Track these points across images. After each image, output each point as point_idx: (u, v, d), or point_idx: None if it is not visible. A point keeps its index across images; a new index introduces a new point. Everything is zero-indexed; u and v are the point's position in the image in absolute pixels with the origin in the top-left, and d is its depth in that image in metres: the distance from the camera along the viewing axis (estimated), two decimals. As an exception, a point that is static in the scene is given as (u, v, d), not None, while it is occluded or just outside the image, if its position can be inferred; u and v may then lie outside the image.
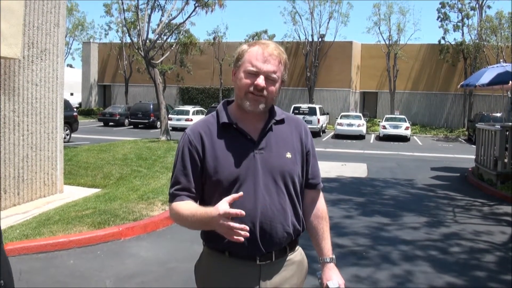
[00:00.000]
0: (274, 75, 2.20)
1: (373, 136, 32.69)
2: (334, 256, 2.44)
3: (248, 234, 1.99)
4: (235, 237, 1.97)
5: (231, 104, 2.36)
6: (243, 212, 1.96)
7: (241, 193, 2.05)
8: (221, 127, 2.27)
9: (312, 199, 2.47)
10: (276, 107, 2.38)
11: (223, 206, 1.98)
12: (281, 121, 2.35)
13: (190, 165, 2.25)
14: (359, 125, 30.68)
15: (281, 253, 2.30)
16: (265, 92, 2.19)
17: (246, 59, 2.22)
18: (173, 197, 2.27)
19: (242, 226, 1.97)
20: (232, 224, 1.96)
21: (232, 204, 2.06)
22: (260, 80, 2.17)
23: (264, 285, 2.25)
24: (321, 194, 2.53)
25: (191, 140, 2.26)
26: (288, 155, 2.28)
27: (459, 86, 16.37)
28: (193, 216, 2.13)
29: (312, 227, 2.45)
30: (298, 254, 2.40)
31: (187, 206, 2.19)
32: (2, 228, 6.39)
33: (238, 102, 2.26)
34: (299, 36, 41.92)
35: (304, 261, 2.44)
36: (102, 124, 35.70)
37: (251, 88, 2.19)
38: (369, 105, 43.45)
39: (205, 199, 2.29)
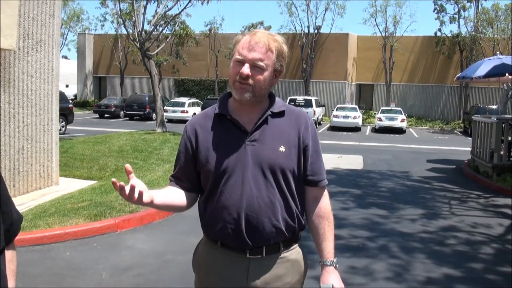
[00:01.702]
0: (260, 63, 2.15)
1: (369, 128, 32.71)
2: (335, 260, 2.33)
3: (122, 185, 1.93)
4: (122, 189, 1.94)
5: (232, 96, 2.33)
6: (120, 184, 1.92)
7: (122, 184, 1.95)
8: (216, 118, 2.28)
9: (314, 197, 2.36)
10: (278, 99, 2.35)
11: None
12: (281, 114, 2.29)
13: (184, 156, 2.31)
14: (355, 117, 30.69)
15: (273, 250, 2.26)
16: (250, 81, 2.16)
17: (236, 48, 2.20)
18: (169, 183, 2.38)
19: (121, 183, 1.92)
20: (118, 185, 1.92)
21: (221, 195, 2.18)
22: (245, 68, 2.14)
23: (252, 279, 2.23)
24: (326, 192, 2.40)
25: (187, 131, 2.32)
26: (282, 148, 2.22)
27: (455, 78, 16.38)
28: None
29: (313, 226, 2.36)
30: (294, 253, 2.33)
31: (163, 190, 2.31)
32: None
33: (231, 91, 2.26)
34: (295, 28, 41.88)
35: (300, 260, 2.36)
36: (97, 116, 35.60)
37: (237, 77, 2.16)
38: (365, 97, 43.45)
39: (202, 189, 2.33)
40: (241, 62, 2.16)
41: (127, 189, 1.95)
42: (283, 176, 2.22)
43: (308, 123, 2.33)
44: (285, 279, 2.28)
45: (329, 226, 2.35)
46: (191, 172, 2.30)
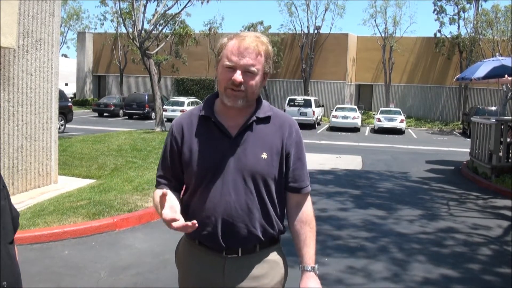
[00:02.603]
0: (252, 68, 2.14)
1: (368, 128, 32.71)
2: (316, 266, 2.32)
3: (196, 225, 2.02)
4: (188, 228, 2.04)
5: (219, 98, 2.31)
6: (195, 223, 2.01)
7: (195, 221, 2.02)
8: (202, 119, 2.27)
9: (296, 203, 2.35)
10: (265, 103, 2.34)
11: (167, 214, 2.02)
12: (266, 119, 2.28)
13: (169, 155, 2.31)
14: (354, 117, 30.68)
15: (249, 250, 2.26)
16: (242, 87, 2.14)
17: (224, 53, 2.17)
18: (156, 185, 2.37)
19: (187, 224, 2.01)
20: (175, 226, 2.02)
21: (201, 197, 2.21)
22: (237, 75, 2.12)
23: (228, 278, 2.25)
24: (309, 198, 2.39)
25: (173, 130, 2.31)
26: (264, 155, 2.21)
27: (454, 79, 16.41)
28: (157, 209, 2.19)
29: (294, 232, 2.35)
30: (274, 255, 2.33)
31: (156, 194, 2.26)
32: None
33: (220, 96, 2.24)
34: (295, 28, 41.86)
35: (280, 262, 2.35)
36: (96, 114, 35.58)
37: (229, 84, 2.14)
38: (364, 98, 43.44)
39: (185, 187, 2.35)
40: (232, 68, 2.14)
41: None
42: (264, 183, 2.22)
43: (293, 130, 2.31)
44: (263, 280, 2.27)
45: (311, 232, 2.35)
46: (178, 171, 2.31)
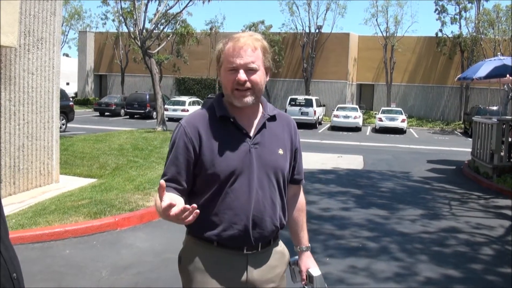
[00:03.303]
0: (253, 65, 2.21)
1: (369, 128, 32.69)
2: (309, 245, 2.60)
3: (197, 210, 1.92)
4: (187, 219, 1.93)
5: (226, 98, 2.34)
6: (195, 207, 1.91)
7: (194, 205, 1.92)
8: (218, 120, 2.29)
9: (294, 193, 2.58)
10: (267, 103, 2.42)
11: (164, 202, 1.90)
12: (273, 118, 2.39)
13: (183, 157, 2.26)
14: (356, 117, 30.66)
15: (266, 244, 2.37)
16: (248, 84, 2.21)
17: (223, 58, 2.25)
18: None
19: (187, 206, 1.90)
20: (173, 212, 1.90)
21: (226, 197, 2.22)
22: (240, 75, 2.19)
23: (250, 273, 2.31)
24: (301, 187, 2.63)
25: (187, 132, 2.26)
26: (280, 151, 2.34)
27: (456, 79, 16.39)
28: (158, 209, 2.06)
29: (292, 219, 2.57)
30: (281, 244, 2.49)
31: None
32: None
33: (229, 100, 2.29)
34: (296, 27, 41.83)
35: (285, 251, 2.52)
36: (98, 114, 35.58)
37: (235, 84, 2.21)
38: (365, 97, 43.42)
39: (195, 192, 2.31)
40: (234, 70, 2.20)
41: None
42: (282, 177, 2.36)
43: (295, 127, 2.52)
44: (276, 270, 2.41)
45: (305, 217, 2.63)
46: (189, 175, 2.28)
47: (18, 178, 8.56)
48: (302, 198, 2.62)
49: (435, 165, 15.30)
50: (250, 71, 2.21)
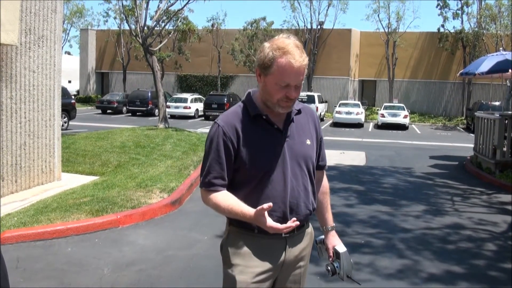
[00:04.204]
0: (302, 82, 2.43)
1: (371, 124, 32.66)
2: (334, 225, 2.83)
3: (271, 205, 2.27)
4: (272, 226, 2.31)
5: (255, 96, 2.55)
6: (271, 204, 2.25)
7: (270, 204, 2.26)
8: (252, 118, 2.49)
9: (319, 178, 2.78)
10: None
11: (257, 210, 2.30)
12: (299, 111, 2.60)
13: (225, 155, 2.45)
14: (358, 113, 30.63)
15: (301, 227, 2.59)
16: (294, 98, 2.44)
17: (276, 70, 2.36)
18: (209, 185, 2.48)
19: (267, 207, 2.26)
20: (269, 224, 2.30)
21: (264, 188, 2.45)
22: (293, 92, 2.40)
23: (288, 253, 2.56)
24: (324, 172, 2.87)
25: (226, 131, 2.45)
26: (308, 142, 2.59)
27: (458, 74, 16.33)
28: (230, 212, 2.41)
29: (318, 202, 2.77)
30: (310, 227, 2.72)
31: (224, 199, 2.44)
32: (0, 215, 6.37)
33: (268, 103, 2.47)
34: (298, 23, 41.77)
35: (313, 233, 2.75)
36: (100, 111, 35.61)
37: (283, 97, 2.41)
38: (367, 93, 43.38)
39: (236, 185, 2.51)
40: (286, 86, 2.39)
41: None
42: (311, 165, 2.61)
43: (318, 118, 2.77)
44: (306, 250, 2.67)
45: (329, 199, 2.87)
46: (230, 170, 2.48)
47: (20, 176, 8.57)
48: (326, 182, 2.87)
49: (438, 161, 15.27)
50: (297, 86, 2.41)
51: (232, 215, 2.42)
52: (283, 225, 2.30)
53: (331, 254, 2.75)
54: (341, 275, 2.69)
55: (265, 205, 2.25)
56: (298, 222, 2.35)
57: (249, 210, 2.35)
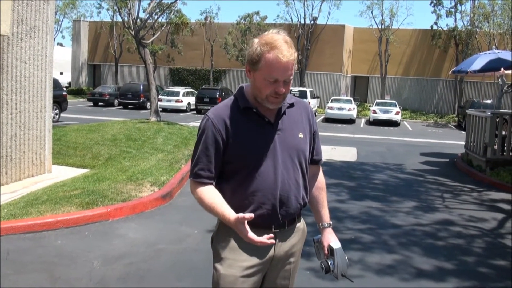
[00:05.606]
0: (291, 77, 2.41)
1: (363, 120, 32.73)
2: (331, 222, 2.77)
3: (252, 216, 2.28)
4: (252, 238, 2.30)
5: (247, 90, 2.55)
6: (252, 215, 2.27)
7: (252, 214, 2.29)
8: (242, 111, 2.48)
9: (313, 173, 2.77)
10: None
11: (237, 217, 2.28)
12: (292, 105, 2.59)
13: (213, 147, 2.46)
14: (350, 109, 30.67)
15: (291, 222, 2.59)
16: (283, 93, 2.42)
17: (264, 65, 2.36)
18: (195, 176, 2.50)
19: (249, 217, 2.27)
20: (248, 234, 2.29)
21: (254, 180, 2.43)
22: (281, 87, 2.38)
23: (278, 248, 2.55)
24: (320, 167, 2.83)
25: (215, 124, 2.45)
26: (300, 135, 2.56)
27: (450, 72, 16.39)
28: (211, 210, 2.42)
29: (313, 197, 2.76)
30: (302, 223, 2.70)
31: (209, 196, 2.45)
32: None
33: (258, 99, 2.47)
34: (291, 18, 41.72)
35: (305, 228, 2.74)
36: (91, 104, 35.42)
37: (272, 93, 2.39)
38: (360, 90, 43.43)
39: (226, 177, 2.52)
40: (275, 81, 2.37)
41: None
42: (304, 159, 2.58)
43: (312, 111, 2.73)
44: (297, 246, 2.66)
45: (325, 195, 2.81)
46: (218, 163, 2.49)
47: (10, 168, 8.51)
48: (321, 177, 2.81)
49: (429, 157, 15.33)
50: (286, 82, 2.39)
51: (213, 213, 2.42)
52: (258, 238, 2.28)
53: (326, 251, 2.71)
54: (335, 273, 2.65)
55: (247, 215, 2.26)
56: (273, 240, 2.34)
57: (229, 214, 2.34)
